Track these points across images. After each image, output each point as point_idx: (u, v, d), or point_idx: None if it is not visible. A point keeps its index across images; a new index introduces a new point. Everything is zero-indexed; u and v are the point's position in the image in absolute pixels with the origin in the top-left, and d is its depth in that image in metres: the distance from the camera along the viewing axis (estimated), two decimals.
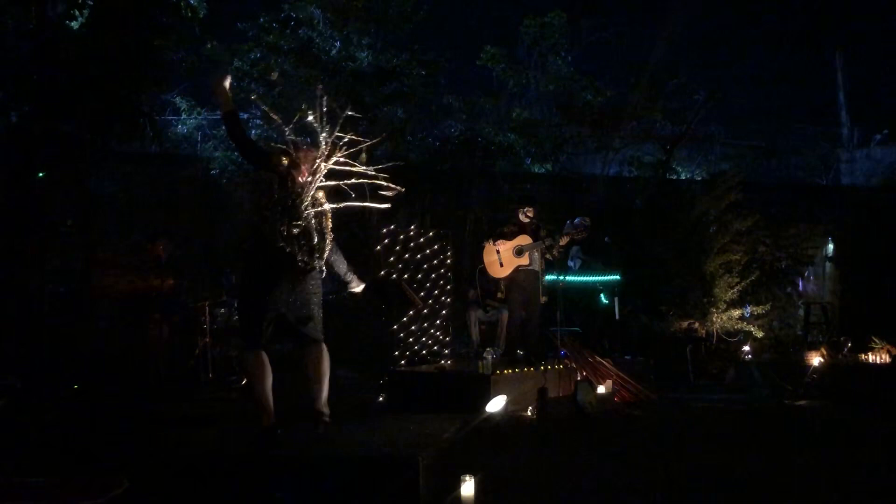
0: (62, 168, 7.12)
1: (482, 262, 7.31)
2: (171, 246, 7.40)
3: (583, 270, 8.80)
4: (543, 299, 7.16)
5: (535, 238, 6.96)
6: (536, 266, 7.03)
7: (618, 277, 8.69)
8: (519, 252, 6.99)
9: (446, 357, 7.62)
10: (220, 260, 8.84)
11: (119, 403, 5.94)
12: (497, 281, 7.44)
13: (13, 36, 7.13)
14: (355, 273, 4.74)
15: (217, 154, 10.05)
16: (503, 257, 7.06)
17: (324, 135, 4.23)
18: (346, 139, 4.32)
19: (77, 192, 7.52)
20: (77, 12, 7.04)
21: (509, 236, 7.07)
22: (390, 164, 4.58)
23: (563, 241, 6.90)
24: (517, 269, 7.02)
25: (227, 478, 3.75)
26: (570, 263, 8.60)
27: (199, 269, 8.80)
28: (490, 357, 6.29)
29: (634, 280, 9.23)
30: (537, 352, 7.01)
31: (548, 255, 7.06)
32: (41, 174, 7.00)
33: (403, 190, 4.49)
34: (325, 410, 4.31)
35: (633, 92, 12.22)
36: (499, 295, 7.99)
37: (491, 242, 7.14)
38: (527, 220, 7.07)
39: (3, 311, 6.53)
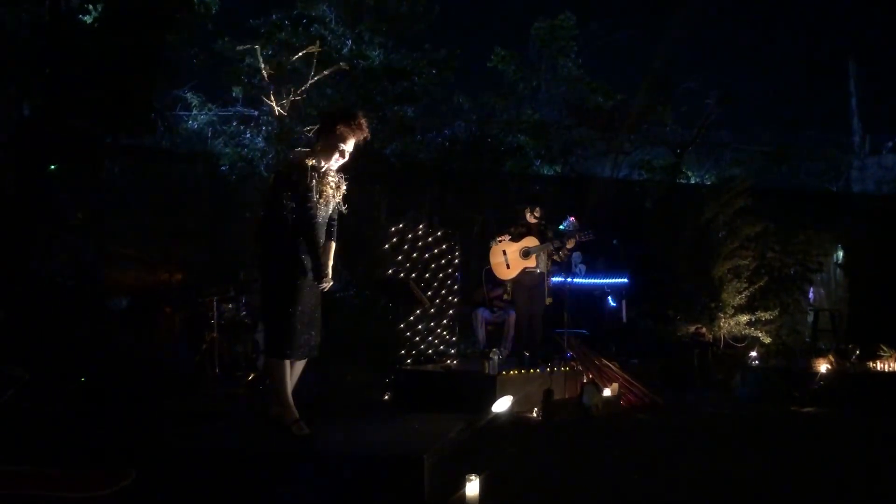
0: (73, 162, 7.15)
1: (489, 262, 7.31)
2: (181, 242, 7.44)
3: (590, 273, 8.79)
4: (548, 300, 7.17)
5: (543, 240, 6.95)
6: (542, 268, 7.02)
7: (626, 280, 8.68)
8: (525, 254, 6.98)
9: (452, 357, 7.62)
10: (229, 255, 8.87)
11: (126, 396, 5.96)
12: (503, 282, 7.44)
13: (27, 30, 7.17)
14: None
15: (227, 150, 10.08)
16: (509, 259, 7.05)
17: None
18: None
19: (88, 185, 7.55)
20: (91, 7, 7.08)
21: (516, 237, 7.05)
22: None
23: (570, 244, 6.90)
24: (523, 271, 7.01)
25: (232, 473, 3.76)
26: (576, 270, 8.60)
27: (207, 264, 8.83)
28: (496, 358, 6.28)
29: (642, 283, 9.22)
30: (542, 353, 7.01)
31: (555, 257, 7.06)
32: (52, 167, 7.04)
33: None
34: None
35: (643, 95, 12.21)
36: (504, 296, 7.99)
37: (497, 242, 7.14)
38: (534, 221, 7.06)
39: (13, 303, 6.56)
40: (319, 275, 4.17)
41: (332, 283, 4.29)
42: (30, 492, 3.32)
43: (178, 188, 9.72)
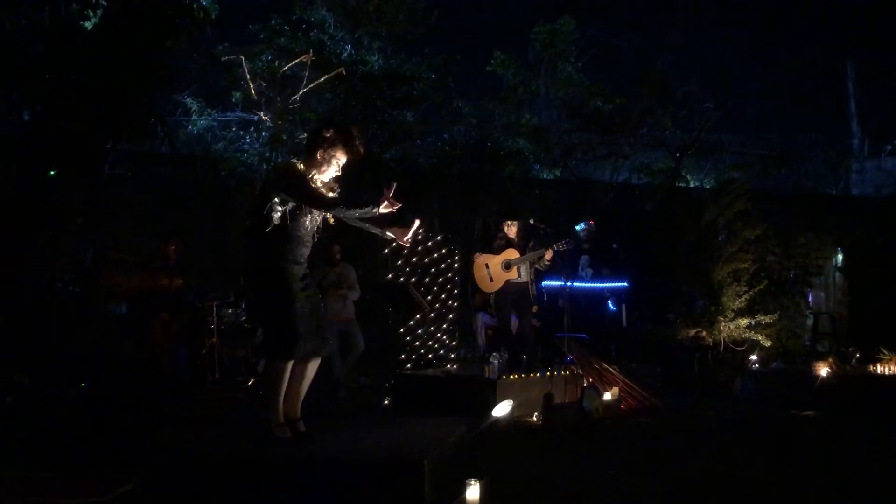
0: (73, 167, 7.15)
1: (473, 277, 7.37)
2: (180, 246, 7.45)
3: (594, 278, 8.81)
4: (534, 308, 7.25)
5: (523, 251, 7.05)
6: (525, 278, 7.13)
7: (625, 284, 8.68)
8: (507, 266, 7.06)
9: (453, 361, 7.64)
10: (229, 260, 8.88)
11: (126, 402, 5.96)
12: (488, 295, 7.52)
13: (27, 35, 7.18)
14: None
15: (227, 155, 10.09)
16: (492, 272, 7.15)
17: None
18: None
19: (87, 190, 7.56)
20: (90, 13, 7.10)
21: (497, 250, 7.16)
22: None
23: (548, 255, 6.97)
24: (507, 283, 7.10)
25: (232, 477, 3.76)
26: (582, 273, 8.63)
27: (207, 269, 8.84)
28: (496, 362, 6.30)
29: (642, 287, 9.21)
30: (535, 358, 7.07)
31: (537, 266, 7.15)
32: (52, 172, 7.04)
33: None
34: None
35: (643, 99, 12.22)
36: (488, 310, 8.06)
37: (479, 256, 7.24)
38: (512, 236, 7.16)
39: (13, 309, 6.56)
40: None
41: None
42: (30, 498, 3.32)
43: (177, 193, 9.72)
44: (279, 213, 4.05)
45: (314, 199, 4.07)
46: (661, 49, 12.81)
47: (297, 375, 4.22)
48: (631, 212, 11.27)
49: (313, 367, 4.29)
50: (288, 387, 4.21)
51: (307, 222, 4.15)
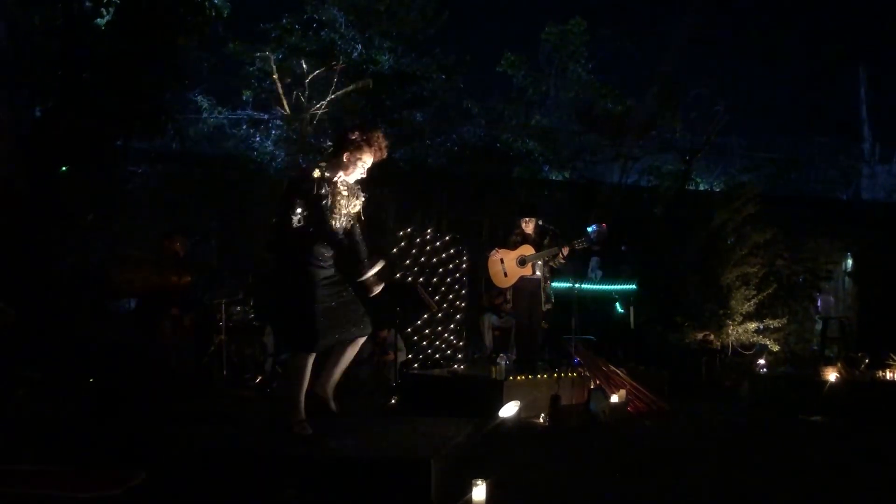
0: (85, 163, 7.20)
1: (488, 272, 7.37)
2: (188, 243, 7.48)
3: (603, 280, 8.81)
4: (547, 307, 7.25)
5: (538, 248, 7.05)
6: (539, 274, 7.11)
7: (634, 287, 8.67)
8: (522, 262, 7.06)
9: (459, 361, 7.65)
10: (238, 258, 8.90)
11: (135, 398, 5.98)
12: (502, 291, 7.51)
13: (40, 32, 7.23)
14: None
15: (237, 153, 10.13)
16: (507, 267, 7.15)
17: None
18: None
19: (98, 187, 7.60)
20: (103, 10, 7.14)
21: (513, 246, 7.15)
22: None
23: (565, 251, 6.96)
24: (521, 279, 7.09)
25: (240, 474, 3.77)
26: (592, 275, 8.63)
27: (216, 266, 8.87)
28: (503, 362, 6.30)
29: (651, 290, 9.20)
30: (541, 357, 7.08)
31: (552, 264, 7.14)
32: (64, 169, 7.09)
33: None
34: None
35: (653, 101, 12.21)
36: (508, 306, 8.06)
37: (494, 251, 7.24)
38: (529, 232, 7.16)
39: (23, 304, 6.59)
40: (357, 269, 4.20)
41: (378, 289, 4.31)
42: (41, 491, 3.34)
43: (187, 190, 9.76)
44: (298, 217, 4.10)
45: (323, 226, 4.12)
46: (672, 51, 12.73)
47: (335, 357, 4.31)
48: (640, 214, 11.25)
49: (351, 351, 4.34)
50: (324, 365, 4.27)
51: (334, 223, 4.17)
